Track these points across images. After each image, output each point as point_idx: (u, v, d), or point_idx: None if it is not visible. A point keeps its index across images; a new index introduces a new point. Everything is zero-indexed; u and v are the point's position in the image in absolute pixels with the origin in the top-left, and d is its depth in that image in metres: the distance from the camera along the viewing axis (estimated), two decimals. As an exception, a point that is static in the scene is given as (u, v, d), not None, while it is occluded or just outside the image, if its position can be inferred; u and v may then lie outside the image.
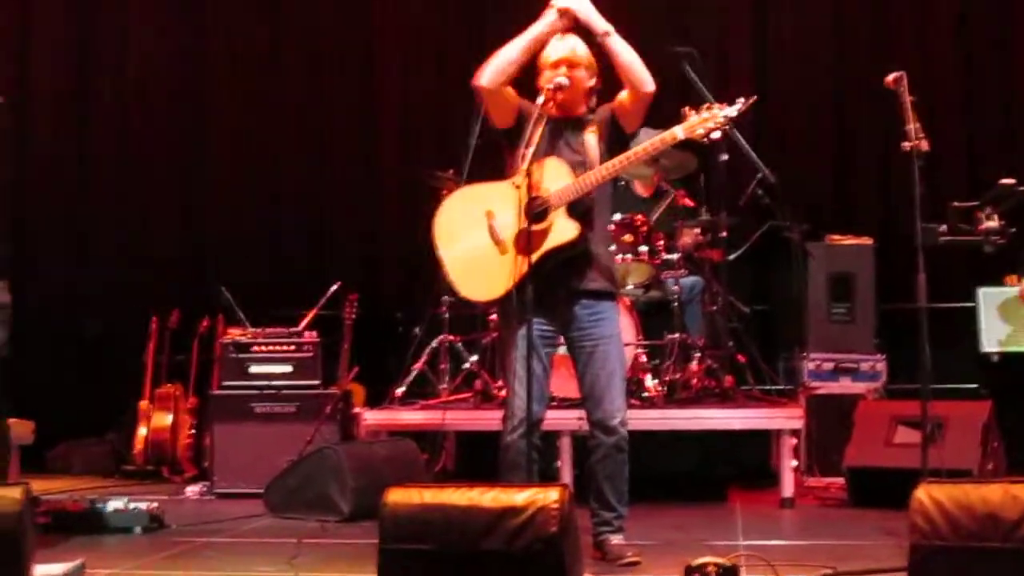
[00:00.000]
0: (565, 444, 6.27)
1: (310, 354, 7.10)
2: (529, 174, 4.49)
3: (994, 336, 6.77)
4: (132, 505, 5.67)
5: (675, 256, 6.88)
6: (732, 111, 4.66)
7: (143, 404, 7.82)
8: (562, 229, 4.65)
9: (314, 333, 7.16)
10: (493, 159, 5.13)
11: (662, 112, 4.96)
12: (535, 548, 3.46)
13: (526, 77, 4.85)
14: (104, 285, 8.89)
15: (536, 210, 4.59)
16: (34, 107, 9.12)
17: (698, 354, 6.84)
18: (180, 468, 7.69)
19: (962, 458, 5.71)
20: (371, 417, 6.85)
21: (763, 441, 6.87)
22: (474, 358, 7.00)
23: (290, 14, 9.18)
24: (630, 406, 5.34)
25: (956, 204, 6.12)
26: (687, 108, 4.69)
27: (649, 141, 4.67)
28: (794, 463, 6.37)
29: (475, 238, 4.75)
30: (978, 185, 6.74)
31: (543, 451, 4.92)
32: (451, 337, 7.16)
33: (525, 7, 4.98)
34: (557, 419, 5.94)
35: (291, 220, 8.97)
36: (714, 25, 8.60)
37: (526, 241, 4.52)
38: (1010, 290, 6.79)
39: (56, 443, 8.13)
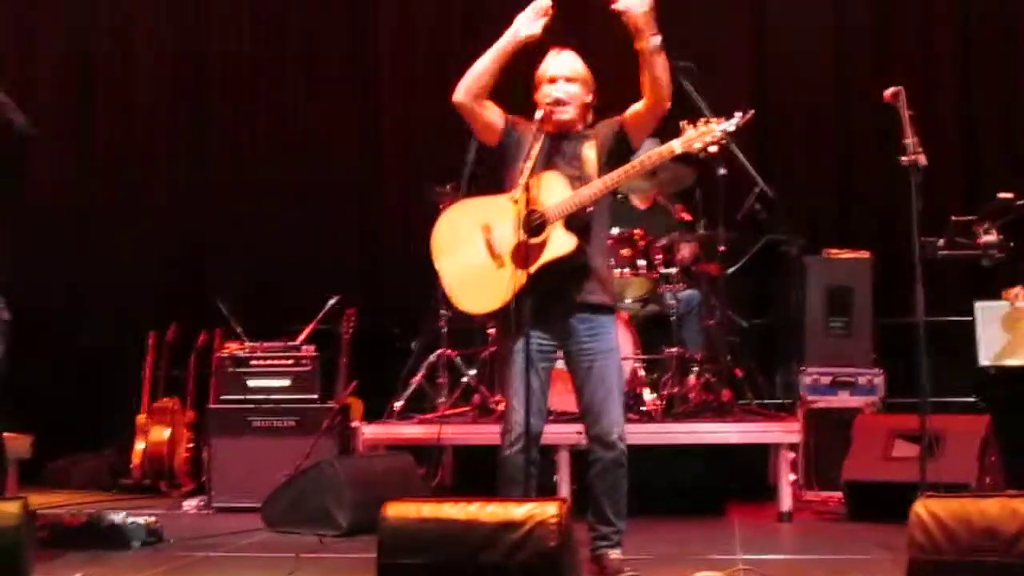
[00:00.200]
0: (563, 458, 6.26)
1: (308, 368, 7.10)
2: (527, 188, 4.50)
3: (992, 350, 6.77)
4: (130, 519, 5.67)
5: (673, 270, 6.89)
6: (730, 125, 4.66)
7: (141, 418, 7.82)
8: (559, 242, 4.65)
9: (312, 347, 7.16)
10: (491, 174, 5.13)
11: (663, 126, 4.96)
12: (534, 562, 3.46)
13: (524, 92, 4.86)
14: (103, 300, 8.90)
15: (533, 223, 4.60)
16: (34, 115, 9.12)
17: (696, 368, 6.84)
18: (178, 482, 7.68)
19: (960, 472, 5.70)
20: (369, 431, 6.84)
21: (761, 455, 6.86)
22: (472, 372, 7.00)
23: (292, 26, 9.20)
24: (628, 420, 5.34)
25: (955, 218, 6.15)
26: (685, 122, 4.69)
27: (648, 155, 4.67)
28: (792, 477, 6.37)
29: (472, 251, 4.75)
30: (977, 199, 6.77)
31: (542, 466, 4.92)
32: (449, 351, 7.16)
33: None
34: (555, 433, 5.93)
35: (289, 234, 8.96)
36: (714, 39, 8.60)
37: (523, 254, 4.53)
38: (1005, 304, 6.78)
39: (54, 457, 8.11)
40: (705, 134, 4.63)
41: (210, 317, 7.83)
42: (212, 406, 7.19)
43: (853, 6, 8.55)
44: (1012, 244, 5.87)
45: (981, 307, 6.77)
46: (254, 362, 7.13)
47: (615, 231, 6.46)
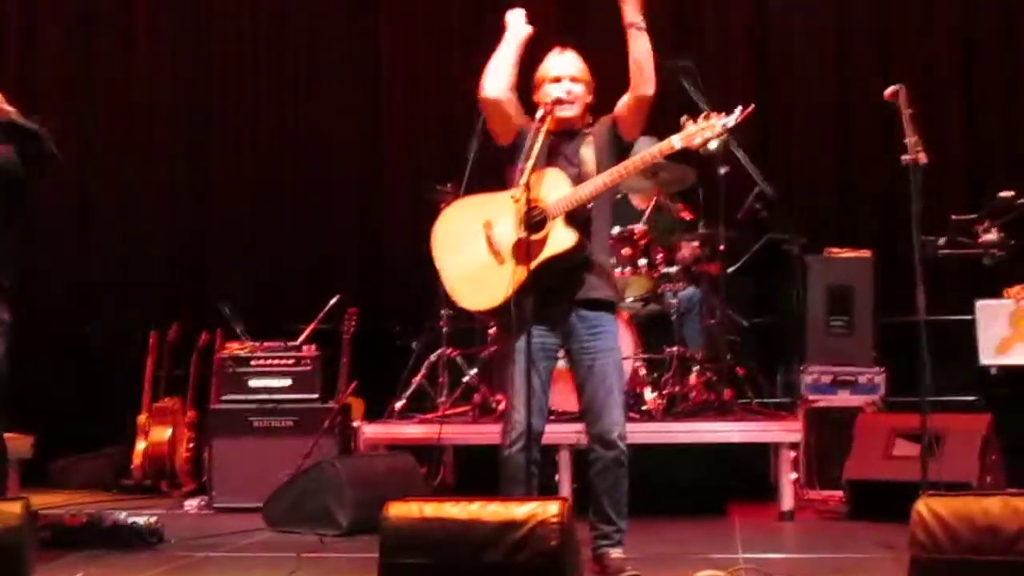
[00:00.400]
0: (564, 458, 6.26)
1: (309, 368, 7.10)
2: (528, 186, 4.50)
3: (993, 348, 6.76)
4: (131, 519, 5.66)
5: (674, 269, 6.88)
6: (730, 120, 4.65)
7: (142, 418, 7.81)
8: (560, 238, 4.65)
9: (313, 347, 7.16)
10: (492, 173, 5.14)
11: (664, 125, 4.96)
12: (535, 562, 3.46)
13: (524, 90, 4.86)
14: (103, 300, 8.91)
15: (534, 219, 4.60)
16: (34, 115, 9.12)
17: (697, 367, 6.83)
18: (179, 482, 7.68)
19: (961, 471, 5.70)
20: (370, 431, 6.85)
21: (762, 454, 6.87)
22: (473, 371, 7.00)
23: (293, 26, 9.20)
24: (629, 419, 5.34)
25: (956, 217, 6.14)
26: (685, 117, 4.70)
27: (648, 151, 4.67)
28: (793, 476, 6.37)
29: (473, 248, 4.75)
30: (978, 198, 6.76)
31: (543, 465, 4.92)
32: (450, 351, 7.16)
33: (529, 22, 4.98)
34: (556, 433, 5.93)
35: (290, 234, 8.96)
36: (716, 39, 8.62)
37: (524, 250, 4.53)
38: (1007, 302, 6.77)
39: (55, 457, 8.11)
40: (705, 129, 4.63)
41: (211, 317, 7.83)
42: (213, 406, 7.19)
43: (854, 6, 8.55)
44: (1013, 243, 5.86)
45: (982, 306, 6.76)
46: (255, 362, 7.12)
47: (616, 230, 6.46)
